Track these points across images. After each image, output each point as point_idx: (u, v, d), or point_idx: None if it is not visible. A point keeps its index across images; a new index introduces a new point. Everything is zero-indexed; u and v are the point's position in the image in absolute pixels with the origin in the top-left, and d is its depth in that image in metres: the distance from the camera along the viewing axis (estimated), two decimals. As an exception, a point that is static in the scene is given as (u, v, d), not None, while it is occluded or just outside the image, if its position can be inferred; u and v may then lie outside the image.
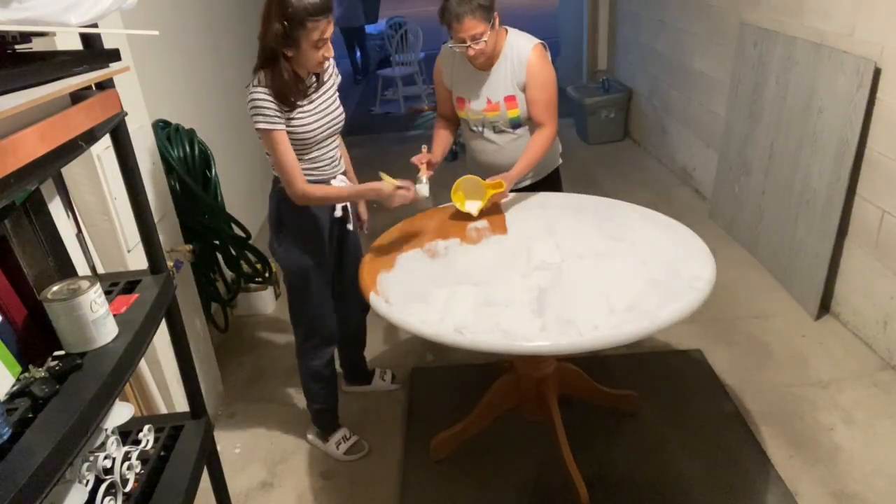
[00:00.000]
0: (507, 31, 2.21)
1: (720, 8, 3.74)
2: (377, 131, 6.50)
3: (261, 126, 1.83)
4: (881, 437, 2.19)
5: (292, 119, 1.86)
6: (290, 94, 1.84)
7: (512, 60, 2.18)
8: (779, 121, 3.09)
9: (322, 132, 1.94)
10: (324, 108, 1.94)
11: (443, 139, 2.40)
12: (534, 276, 1.78)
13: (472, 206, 2.18)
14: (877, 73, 2.44)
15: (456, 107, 2.34)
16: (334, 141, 2.04)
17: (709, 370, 2.58)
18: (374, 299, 1.76)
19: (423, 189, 2.12)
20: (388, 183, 1.95)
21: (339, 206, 2.08)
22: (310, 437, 2.38)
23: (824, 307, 2.87)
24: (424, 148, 2.27)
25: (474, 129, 2.34)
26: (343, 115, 2.03)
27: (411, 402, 2.54)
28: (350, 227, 2.18)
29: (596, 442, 2.24)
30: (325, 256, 2.10)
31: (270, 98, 1.81)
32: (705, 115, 4.05)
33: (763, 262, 3.29)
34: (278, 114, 1.83)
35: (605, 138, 5.42)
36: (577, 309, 1.61)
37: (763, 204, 3.28)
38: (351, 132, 6.60)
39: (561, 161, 2.49)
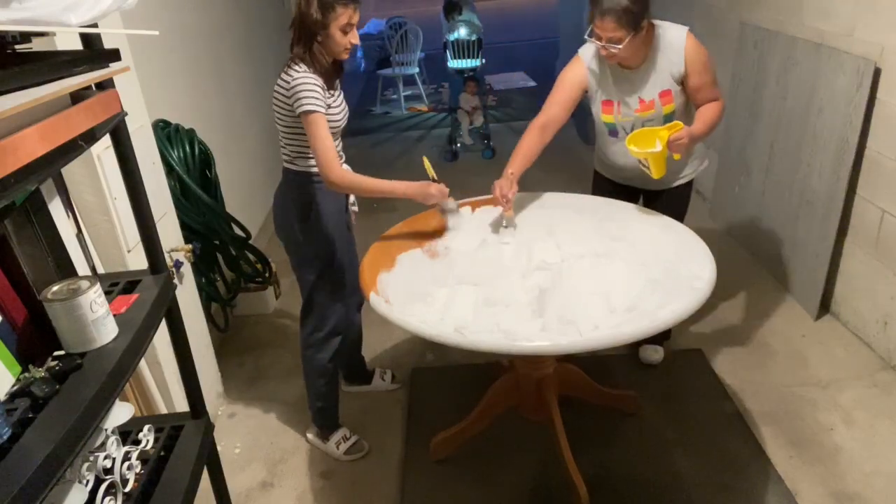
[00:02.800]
0: (653, 24, 2.07)
1: (720, 8, 3.74)
2: (377, 131, 6.50)
3: (308, 107, 1.85)
4: (881, 437, 2.19)
5: (329, 107, 1.93)
6: (325, 77, 1.91)
7: (665, 52, 2.07)
8: (779, 121, 3.09)
9: (342, 124, 2.02)
10: (342, 104, 2.02)
11: (530, 149, 2.18)
12: (534, 276, 1.78)
13: (653, 148, 2.01)
14: (877, 73, 2.44)
15: (598, 112, 2.20)
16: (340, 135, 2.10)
17: (709, 370, 2.58)
18: (374, 299, 1.76)
19: (507, 235, 2.02)
20: (430, 184, 1.98)
21: (353, 197, 2.14)
22: (309, 436, 2.38)
23: (824, 307, 2.87)
24: (510, 172, 2.09)
25: (617, 133, 2.21)
26: (348, 111, 2.09)
27: (411, 402, 2.54)
28: (353, 220, 2.21)
29: (596, 442, 2.24)
30: (346, 244, 2.16)
31: (316, 81, 1.87)
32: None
33: (763, 262, 3.29)
34: (323, 98, 1.88)
35: (605, 138, 5.41)
36: (577, 309, 1.61)
37: (763, 204, 3.28)
38: (351, 132, 6.60)
39: (703, 167, 2.41)
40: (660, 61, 2.08)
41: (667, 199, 2.34)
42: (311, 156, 1.98)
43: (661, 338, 2.65)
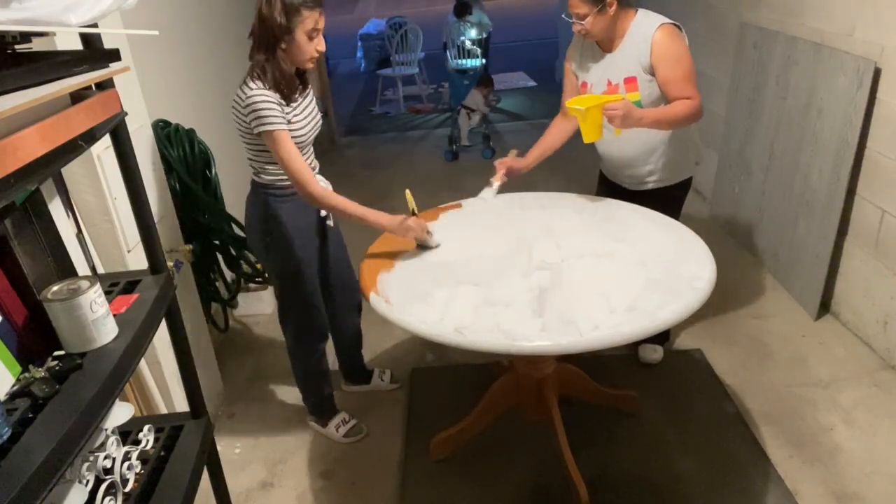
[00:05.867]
0: (636, 11, 2.13)
1: (720, 8, 3.74)
2: (377, 131, 6.51)
3: (266, 128, 1.79)
4: (881, 437, 2.19)
5: (290, 122, 1.85)
6: (288, 88, 1.83)
7: (635, 39, 2.10)
8: (779, 121, 3.09)
9: (310, 136, 1.96)
10: (311, 112, 1.96)
11: (553, 136, 2.32)
12: (534, 276, 1.78)
13: (582, 104, 1.98)
14: (877, 73, 2.44)
15: (579, 93, 2.26)
16: (312, 144, 2.04)
17: (709, 370, 2.58)
18: (374, 299, 1.76)
19: (488, 193, 2.14)
20: (409, 218, 1.94)
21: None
22: (310, 421, 2.41)
23: (824, 307, 2.87)
24: (514, 152, 2.23)
25: None
26: (321, 118, 2.04)
27: (411, 402, 2.54)
28: (331, 223, 2.17)
29: (596, 442, 2.24)
30: (314, 253, 2.11)
31: (271, 98, 1.80)
32: (705, 114, 4.04)
33: (763, 262, 3.29)
34: (281, 113, 1.81)
35: (605, 138, 5.42)
36: (577, 309, 1.61)
37: (763, 204, 3.28)
38: (351, 132, 6.61)
39: (693, 172, 2.37)
40: (629, 47, 2.12)
41: (651, 202, 2.29)
42: (274, 169, 1.93)
43: (660, 338, 2.65)
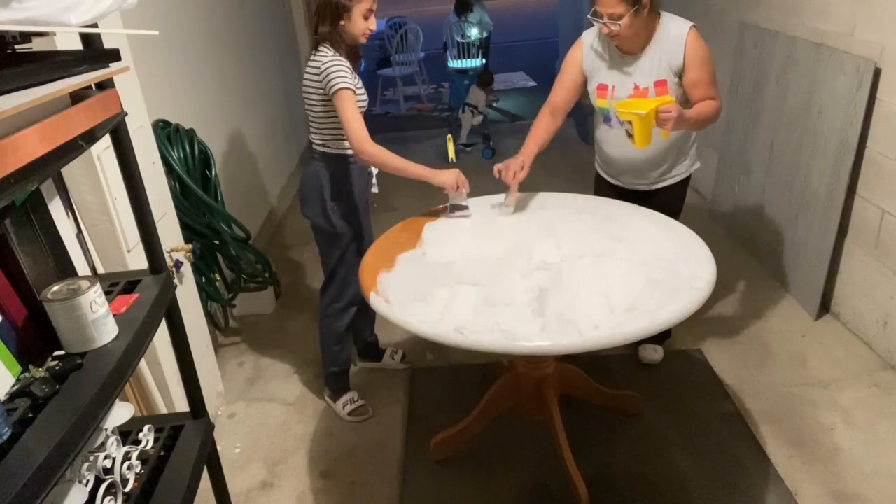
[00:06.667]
0: (660, 14, 2.12)
1: (720, 8, 3.74)
2: (377, 131, 6.45)
3: (340, 85, 1.97)
4: (881, 437, 2.19)
5: (357, 88, 2.04)
6: (350, 59, 2.05)
7: (665, 43, 2.09)
8: (779, 121, 3.09)
9: (365, 107, 2.11)
10: (362, 87, 2.12)
11: (543, 131, 2.27)
12: (534, 276, 1.78)
13: (631, 108, 1.95)
14: (877, 73, 2.44)
15: (594, 96, 2.23)
16: None
17: (709, 370, 2.58)
18: (374, 299, 1.76)
19: (506, 212, 2.14)
20: (450, 171, 2.09)
21: (375, 175, 2.27)
22: (325, 395, 2.56)
23: (824, 307, 2.87)
24: (521, 158, 2.15)
25: (610, 121, 2.23)
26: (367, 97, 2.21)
27: (411, 402, 2.54)
28: (375, 189, 2.34)
29: (596, 442, 2.24)
30: (368, 221, 2.33)
31: (344, 63, 2.00)
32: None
33: (763, 262, 3.29)
34: (351, 77, 2.01)
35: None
36: (577, 309, 1.61)
37: (763, 204, 3.28)
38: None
39: (695, 168, 2.37)
40: (659, 51, 2.10)
41: (659, 200, 2.34)
42: (344, 137, 2.08)
43: (660, 337, 2.65)
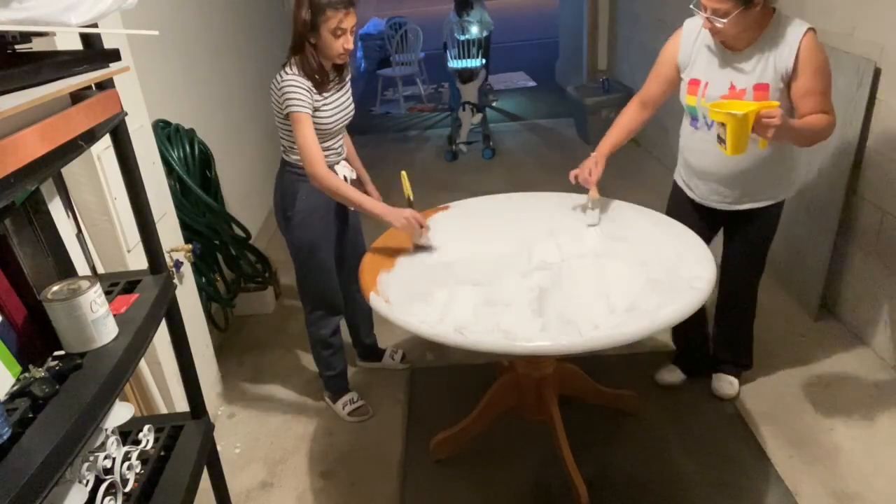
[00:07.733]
0: (774, 10, 1.87)
1: (720, 8, 3.73)
2: (377, 131, 6.50)
3: (291, 108, 1.93)
4: (881, 437, 2.19)
5: (317, 110, 1.99)
6: (320, 77, 1.97)
7: (777, 43, 1.84)
8: (779, 121, 3.08)
9: (337, 125, 2.09)
10: (342, 104, 2.09)
11: (626, 121, 2.14)
12: (534, 276, 1.78)
13: (727, 109, 1.73)
14: (877, 73, 2.44)
15: (684, 91, 2.03)
16: (343, 132, 2.20)
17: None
18: (374, 299, 1.76)
19: (593, 217, 2.01)
20: (406, 211, 1.96)
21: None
22: (325, 396, 2.55)
23: (824, 307, 2.87)
24: (594, 157, 2.06)
25: (697, 122, 2.02)
26: (353, 110, 2.17)
27: (411, 402, 2.54)
28: (352, 206, 2.24)
29: (596, 442, 2.24)
30: (331, 233, 2.25)
31: (302, 84, 1.94)
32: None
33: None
34: (308, 100, 1.95)
35: (605, 138, 5.41)
36: (577, 309, 1.61)
37: (763, 204, 3.27)
38: (350, 132, 6.60)
39: (789, 195, 2.14)
40: (768, 51, 1.86)
41: (755, 222, 2.13)
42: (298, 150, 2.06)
43: (738, 367, 2.41)
